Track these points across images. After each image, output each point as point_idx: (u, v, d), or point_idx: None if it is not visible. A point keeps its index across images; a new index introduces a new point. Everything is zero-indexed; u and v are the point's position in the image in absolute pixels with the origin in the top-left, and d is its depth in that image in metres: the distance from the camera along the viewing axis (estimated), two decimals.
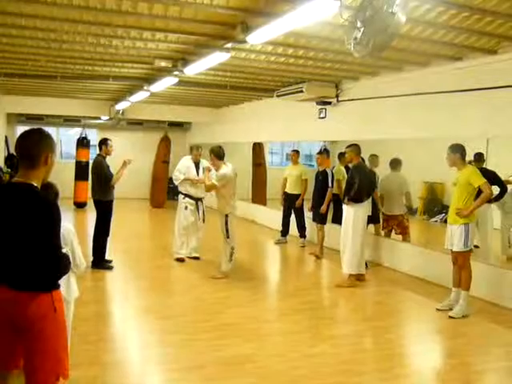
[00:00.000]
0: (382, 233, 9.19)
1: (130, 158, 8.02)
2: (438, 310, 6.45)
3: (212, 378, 4.35)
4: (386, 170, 9.11)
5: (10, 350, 2.89)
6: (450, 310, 6.33)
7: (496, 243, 8.41)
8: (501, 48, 6.56)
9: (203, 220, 8.77)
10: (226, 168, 7.56)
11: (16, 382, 3.04)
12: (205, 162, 8.64)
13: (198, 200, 8.70)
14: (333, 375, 4.50)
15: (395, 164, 9.03)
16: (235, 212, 7.84)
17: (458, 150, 6.27)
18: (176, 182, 8.81)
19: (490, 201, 7.91)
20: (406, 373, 4.75)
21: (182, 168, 8.74)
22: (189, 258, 8.80)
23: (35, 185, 2.83)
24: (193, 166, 8.75)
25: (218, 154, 7.58)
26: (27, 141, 2.89)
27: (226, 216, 7.58)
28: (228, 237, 7.60)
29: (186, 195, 8.70)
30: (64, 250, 3.23)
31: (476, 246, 8.45)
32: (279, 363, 4.72)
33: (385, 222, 9.06)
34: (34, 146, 2.85)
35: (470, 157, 8.67)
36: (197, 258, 8.84)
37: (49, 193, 3.42)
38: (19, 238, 2.75)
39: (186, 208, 8.69)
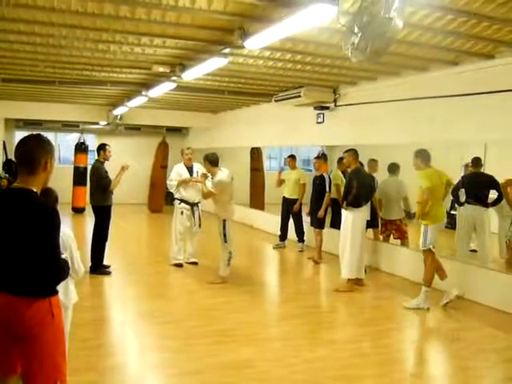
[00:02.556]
0: (381, 237, 9.19)
1: (128, 164, 8.03)
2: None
3: (210, 383, 4.34)
4: (385, 174, 9.12)
5: (7, 355, 2.88)
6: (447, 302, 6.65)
7: (495, 247, 8.41)
8: (498, 53, 6.59)
9: (199, 225, 8.72)
10: (222, 174, 7.53)
11: None
12: (198, 166, 8.61)
13: (193, 205, 8.64)
14: (332, 380, 4.50)
15: (393, 168, 9.04)
16: (233, 217, 7.83)
17: (419, 154, 6.73)
18: (172, 190, 8.79)
19: (487, 205, 7.97)
20: (406, 377, 4.75)
21: (174, 176, 8.70)
22: (187, 263, 8.79)
23: (35, 190, 2.83)
24: (185, 170, 8.68)
25: (212, 160, 7.56)
26: (26, 146, 2.88)
27: (224, 221, 7.57)
28: (226, 241, 7.58)
29: (182, 200, 8.65)
30: (63, 256, 3.22)
31: (474, 251, 8.47)
32: (278, 368, 4.72)
33: (383, 226, 9.07)
34: (33, 152, 2.85)
35: (468, 161, 8.73)
36: (195, 263, 8.84)
37: (48, 198, 3.42)
38: (18, 244, 2.75)
39: (182, 213, 8.64)
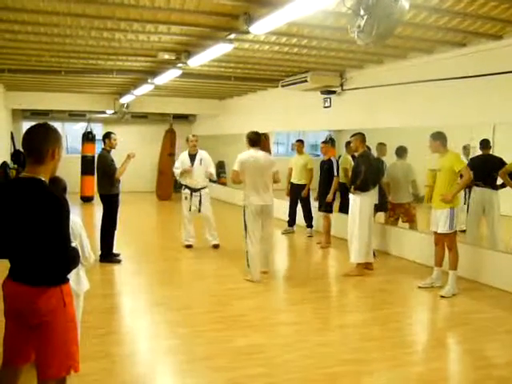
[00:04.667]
0: (389, 221, 9.18)
1: (134, 152, 8.08)
2: (419, 287, 6.88)
3: (221, 369, 4.37)
4: (392, 158, 9.09)
5: (21, 344, 2.91)
6: (432, 287, 6.81)
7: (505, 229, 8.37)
8: (506, 33, 6.50)
9: (199, 210, 8.98)
10: (243, 153, 7.19)
11: (28, 376, 3.07)
12: (203, 153, 9.05)
13: (195, 190, 8.96)
14: (342, 364, 4.52)
15: (401, 152, 9.01)
16: (251, 206, 7.09)
17: (438, 137, 6.66)
18: (177, 178, 9.37)
19: (496, 187, 7.93)
20: (415, 360, 4.76)
21: (178, 163, 9.20)
22: (210, 246, 9.13)
23: (43, 179, 2.83)
24: (187, 158, 9.09)
25: (250, 139, 7.20)
26: (34, 136, 2.89)
27: (244, 208, 7.18)
28: (245, 235, 7.17)
29: (186, 186, 9.08)
30: (73, 244, 3.24)
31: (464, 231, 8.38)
32: (288, 353, 4.74)
33: (391, 210, 9.06)
34: (40, 141, 2.86)
35: (476, 143, 8.67)
36: (216, 246, 9.12)
37: (57, 187, 3.44)
38: (28, 233, 2.77)
39: (186, 198, 9.07)
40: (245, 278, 7.16)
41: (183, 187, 9.18)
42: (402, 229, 9.00)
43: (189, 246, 9.13)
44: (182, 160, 9.14)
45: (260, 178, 7.11)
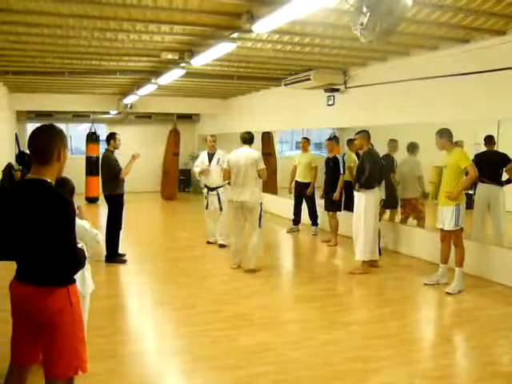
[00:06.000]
0: (398, 218, 9.17)
1: (138, 153, 8.11)
2: (425, 284, 6.91)
3: (228, 368, 4.37)
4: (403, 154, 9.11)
5: (28, 344, 2.92)
6: (437, 284, 6.84)
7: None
8: (509, 29, 6.49)
9: (220, 208, 9.15)
10: (234, 152, 7.83)
11: (35, 376, 3.08)
12: (220, 153, 9.17)
13: (212, 189, 9.17)
14: (350, 362, 4.52)
15: (412, 148, 9.00)
16: (231, 200, 7.75)
17: (444, 134, 6.66)
18: (196, 176, 9.74)
19: (501, 183, 7.91)
20: (422, 357, 4.76)
21: (198, 163, 9.43)
22: (219, 245, 9.29)
23: (49, 181, 2.84)
24: (206, 158, 9.30)
25: (241, 138, 7.91)
26: (39, 137, 2.89)
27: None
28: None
29: (205, 185, 9.36)
30: (79, 245, 3.25)
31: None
32: (295, 351, 4.74)
33: (402, 207, 9.05)
34: (46, 142, 2.86)
35: (480, 139, 8.65)
36: (222, 246, 9.20)
37: (64, 189, 3.44)
38: (35, 235, 2.77)
39: (205, 197, 9.33)
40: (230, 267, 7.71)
41: (204, 186, 9.46)
42: (410, 226, 8.98)
43: (210, 243, 9.44)
44: (201, 159, 9.37)
45: (240, 175, 7.59)
